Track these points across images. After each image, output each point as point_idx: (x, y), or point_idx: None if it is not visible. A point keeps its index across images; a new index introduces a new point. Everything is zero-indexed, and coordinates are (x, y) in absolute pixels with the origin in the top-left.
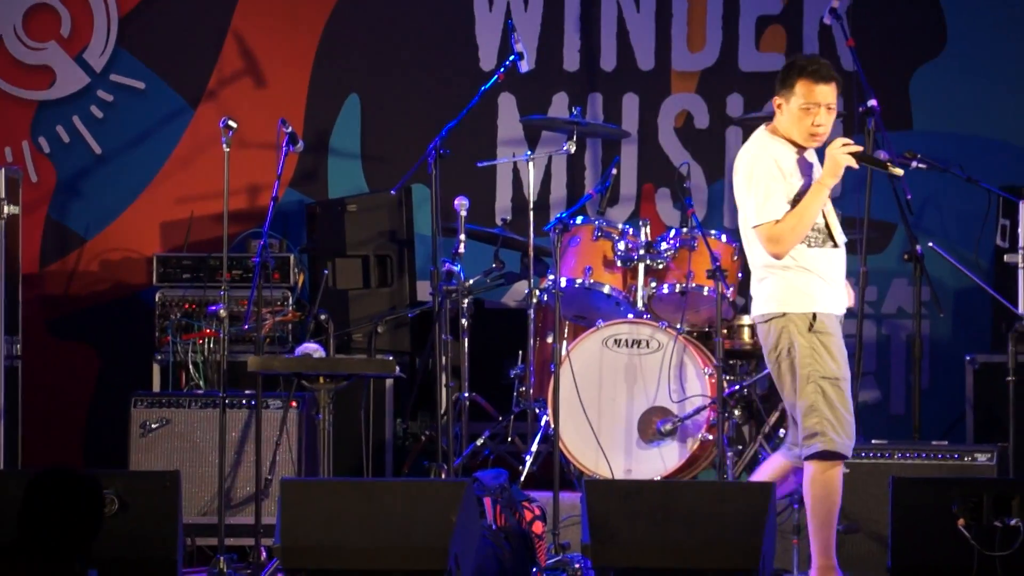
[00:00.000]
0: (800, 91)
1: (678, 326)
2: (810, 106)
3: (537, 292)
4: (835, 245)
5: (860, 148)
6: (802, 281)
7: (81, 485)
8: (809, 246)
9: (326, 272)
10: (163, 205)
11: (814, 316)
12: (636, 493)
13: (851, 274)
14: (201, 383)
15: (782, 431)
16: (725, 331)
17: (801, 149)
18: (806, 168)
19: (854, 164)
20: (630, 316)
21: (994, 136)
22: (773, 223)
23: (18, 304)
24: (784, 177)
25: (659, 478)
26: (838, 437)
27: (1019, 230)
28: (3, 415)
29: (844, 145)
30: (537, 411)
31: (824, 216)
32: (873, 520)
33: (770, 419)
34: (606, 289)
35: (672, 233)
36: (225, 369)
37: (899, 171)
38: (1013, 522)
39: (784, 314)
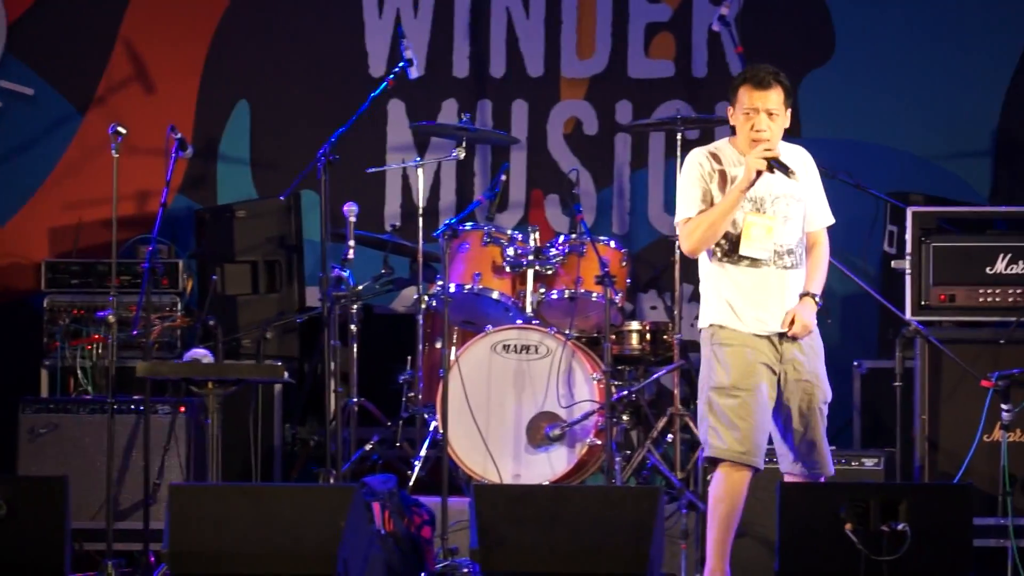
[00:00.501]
0: (741, 98)
1: (567, 332)
2: (749, 112)
3: (426, 298)
4: (751, 263)
5: (775, 154)
6: (715, 292)
7: None
8: (720, 259)
9: (215, 278)
10: (52, 211)
11: (718, 328)
12: (524, 498)
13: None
14: (89, 388)
15: (670, 436)
16: (614, 337)
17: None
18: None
19: (763, 168)
20: (519, 322)
21: (882, 143)
22: (684, 221)
23: None
24: (707, 180)
25: (547, 483)
26: (721, 443)
27: (906, 236)
28: None
29: (765, 151)
30: (426, 416)
31: (742, 225)
32: (761, 525)
33: (658, 424)
34: (495, 295)
35: (561, 239)
36: (113, 374)
37: (797, 177)
38: (900, 527)
39: (704, 327)
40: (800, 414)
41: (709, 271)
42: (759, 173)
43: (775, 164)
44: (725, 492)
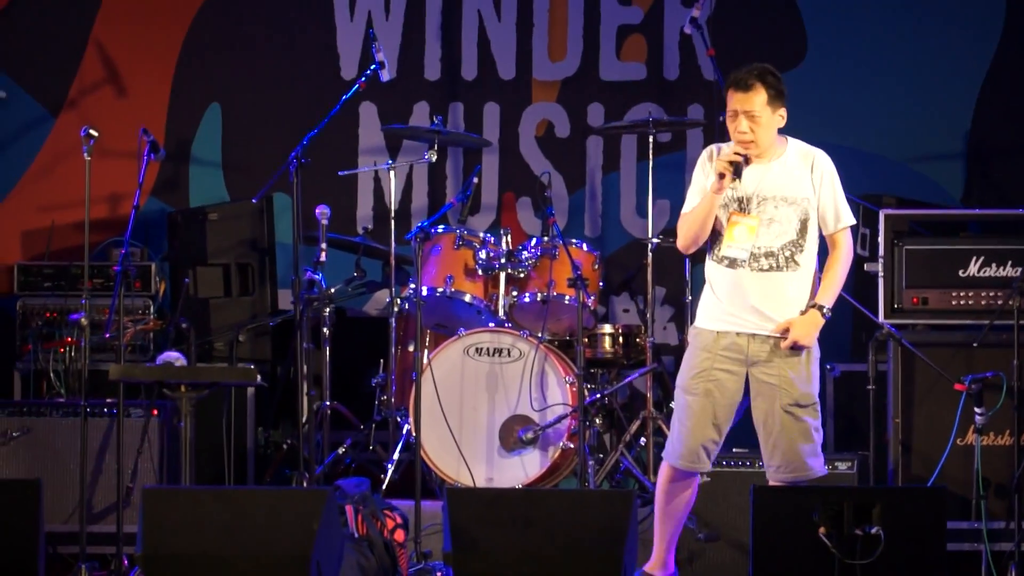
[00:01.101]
0: (728, 100)
1: (539, 335)
2: (732, 114)
3: (398, 301)
4: (729, 263)
5: (738, 158)
6: (703, 292)
7: None
8: (709, 257)
9: (187, 281)
10: (24, 214)
11: (695, 327)
12: (497, 501)
13: None
14: (62, 391)
15: (643, 439)
16: (586, 340)
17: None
18: (751, 175)
19: (726, 171)
20: (491, 325)
21: (854, 145)
22: (681, 216)
23: None
24: (706, 176)
25: (520, 486)
26: (667, 440)
27: (879, 239)
28: None
29: (734, 153)
30: (399, 419)
31: (726, 224)
32: (734, 528)
33: (631, 427)
34: (467, 298)
35: (533, 242)
36: (86, 377)
37: (738, 182)
38: (873, 530)
39: None
40: (768, 416)
41: (707, 269)
42: (723, 176)
43: (736, 168)
44: (660, 486)
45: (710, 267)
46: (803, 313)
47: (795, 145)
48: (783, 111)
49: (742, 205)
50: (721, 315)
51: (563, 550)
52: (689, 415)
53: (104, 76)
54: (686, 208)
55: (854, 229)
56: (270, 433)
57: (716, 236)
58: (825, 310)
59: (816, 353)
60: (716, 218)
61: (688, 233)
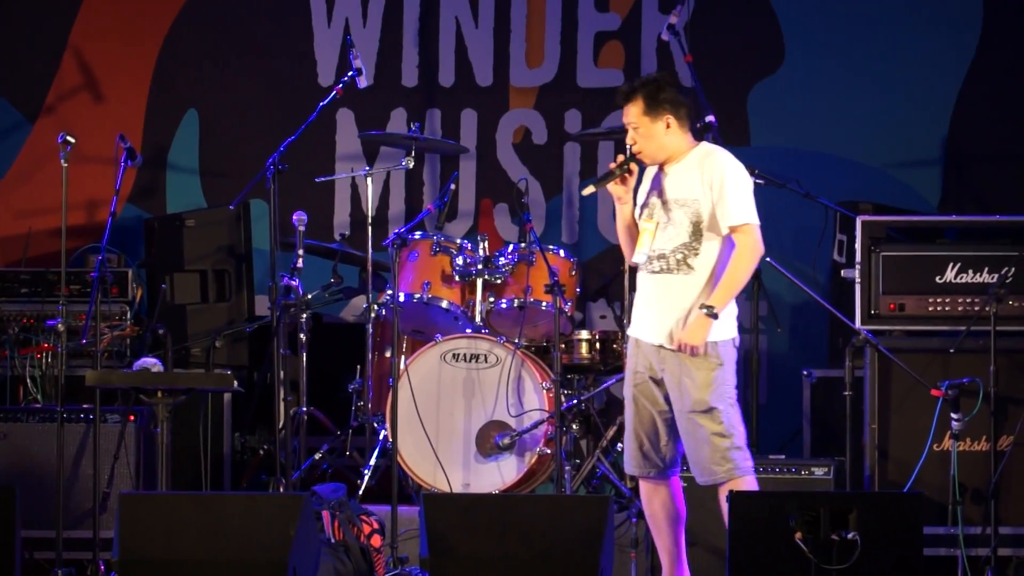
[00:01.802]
0: None
1: (516, 341)
2: (626, 127)
3: (375, 307)
4: (637, 269)
5: (611, 166)
6: None
7: None
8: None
9: (164, 287)
10: (1, 220)
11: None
12: (474, 507)
13: None
14: (39, 397)
15: (619, 445)
16: (563, 346)
17: (664, 165)
18: (654, 184)
19: (611, 180)
20: (468, 331)
21: (831, 152)
22: None
23: None
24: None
25: (497, 492)
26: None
27: (856, 245)
28: None
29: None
30: (375, 425)
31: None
32: (711, 534)
33: (608, 433)
34: (444, 304)
35: (510, 248)
36: (63, 383)
37: (594, 187)
38: (850, 535)
39: None
40: (677, 423)
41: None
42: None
43: (620, 173)
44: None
45: (639, 272)
46: None
47: (700, 149)
48: (668, 117)
49: (649, 212)
50: (636, 321)
51: (540, 555)
52: (627, 421)
53: (81, 82)
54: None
55: (830, 235)
56: (247, 439)
57: None
58: (712, 310)
59: (724, 358)
60: None
61: (621, 244)
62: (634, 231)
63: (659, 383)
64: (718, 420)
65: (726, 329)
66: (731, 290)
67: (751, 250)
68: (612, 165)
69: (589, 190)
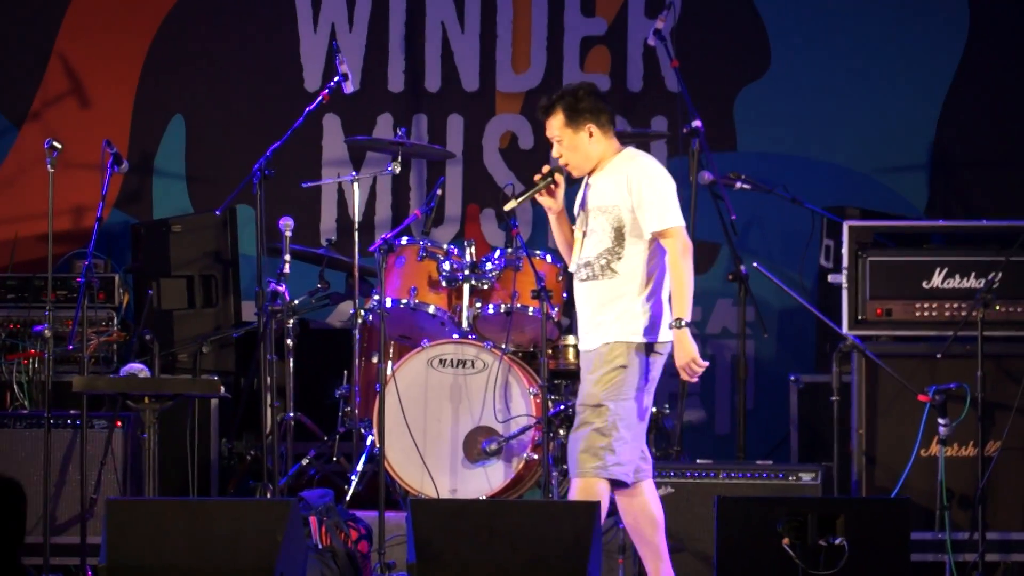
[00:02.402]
0: None
1: (503, 346)
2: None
3: (362, 312)
4: (580, 278)
5: (536, 176)
6: None
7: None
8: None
9: (151, 292)
10: None
11: None
12: (461, 513)
13: None
14: (26, 403)
15: None
16: (550, 351)
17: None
18: (584, 193)
19: (542, 191)
20: (455, 336)
21: (818, 157)
22: None
23: None
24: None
25: (484, 498)
26: None
27: (843, 250)
28: None
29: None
30: (362, 431)
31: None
32: (698, 539)
33: None
34: (431, 309)
35: (497, 253)
36: (50, 389)
37: (514, 203)
38: (837, 541)
39: None
40: None
41: None
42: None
43: (547, 185)
44: None
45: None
46: None
47: (623, 155)
48: (590, 126)
49: (578, 221)
50: (580, 327)
51: (527, 561)
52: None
53: (68, 88)
54: None
55: (817, 240)
56: (234, 444)
57: None
58: (680, 322)
59: (628, 360)
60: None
61: (563, 254)
62: (571, 241)
63: None
64: (603, 417)
65: (629, 332)
66: (684, 295)
67: (681, 252)
68: (536, 177)
69: (510, 205)
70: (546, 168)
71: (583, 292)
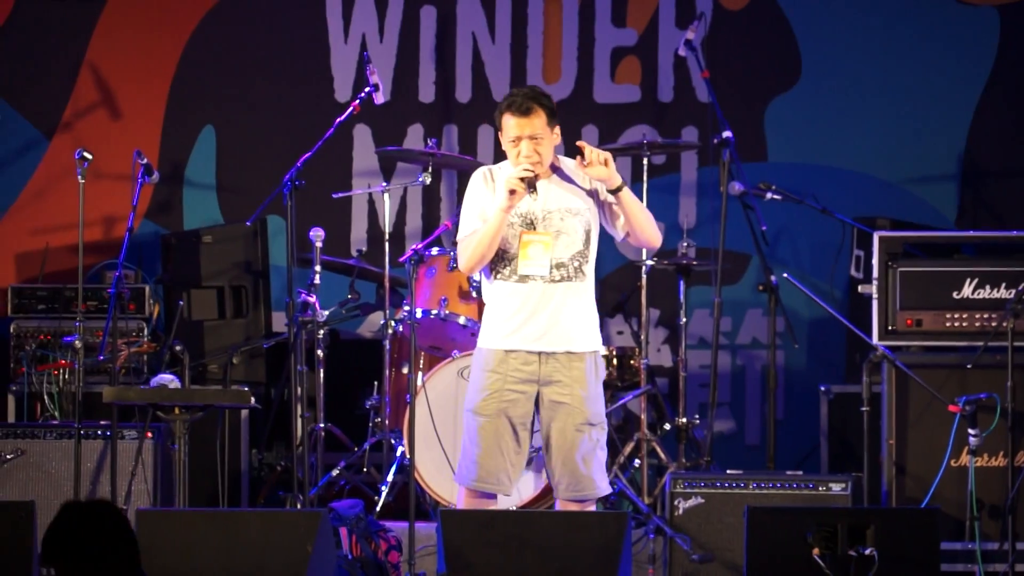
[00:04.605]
0: (505, 125)
1: None
2: (514, 139)
3: (392, 323)
4: (520, 279)
5: (528, 173)
6: (486, 313)
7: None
8: (496, 278)
9: (181, 303)
10: (18, 236)
11: (481, 349)
12: (491, 523)
13: (705, 304)
14: (56, 414)
15: (636, 461)
16: None
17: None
18: (540, 194)
19: (519, 188)
20: None
21: (848, 167)
22: (461, 239)
23: None
24: (485, 198)
25: (515, 508)
26: (458, 468)
27: (873, 261)
28: None
29: (524, 170)
30: (392, 441)
31: (518, 245)
32: (728, 549)
33: (625, 449)
34: (462, 320)
35: None
36: (80, 400)
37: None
38: (867, 551)
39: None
40: (559, 436)
41: (484, 290)
42: (513, 192)
43: (528, 183)
44: None
45: (496, 286)
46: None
47: (566, 159)
48: (558, 129)
49: (526, 222)
50: (509, 331)
51: (557, 572)
52: (483, 438)
53: (98, 98)
54: (465, 231)
55: (848, 250)
56: (264, 455)
57: (499, 255)
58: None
59: (602, 374)
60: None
61: (475, 255)
62: (499, 241)
63: (528, 396)
64: (604, 433)
65: (598, 339)
66: (644, 211)
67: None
68: (526, 170)
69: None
70: (528, 173)
71: (552, 294)
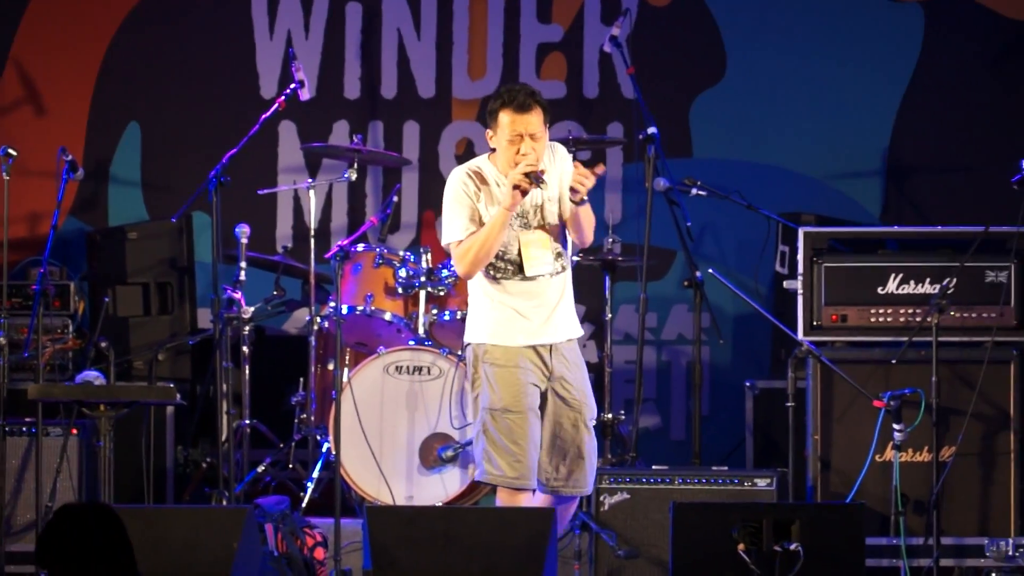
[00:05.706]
0: (502, 122)
1: (459, 353)
2: (514, 137)
3: (318, 319)
4: (524, 277)
5: (534, 168)
6: (485, 311)
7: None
8: (496, 278)
9: (107, 300)
10: None
11: (489, 347)
12: (417, 519)
13: (630, 300)
14: None
15: None
16: None
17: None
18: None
19: (525, 185)
20: (411, 343)
21: (773, 163)
22: (456, 244)
23: None
24: (474, 199)
25: (440, 504)
26: (493, 468)
27: (798, 256)
28: None
29: (528, 166)
30: (318, 438)
31: (519, 246)
32: (653, 545)
33: None
34: (387, 316)
35: None
36: (5, 396)
37: (547, 184)
38: (792, 546)
39: (469, 344)
40: (567, 432)
41: (480, 288)
42: (524, 191)
43: (535, 178)
44: None
45: (499, 284)
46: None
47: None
48: (546, 125)
49: (524, 221)
50: (521, 329)
51: (483, 567)
52: (520, 435)
53: (23, 95)
54: (457, 235)
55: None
56: (189, 452)
57: (497, 254)
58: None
59: None
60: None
61: (476, 257)
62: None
63: (540, 390)
64: None
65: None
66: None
67: None
68: (529, 168)
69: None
70: (533, 171)
71: (554, 285)
